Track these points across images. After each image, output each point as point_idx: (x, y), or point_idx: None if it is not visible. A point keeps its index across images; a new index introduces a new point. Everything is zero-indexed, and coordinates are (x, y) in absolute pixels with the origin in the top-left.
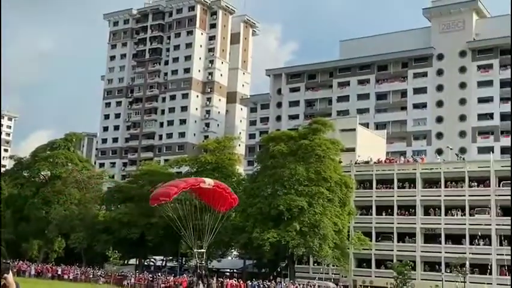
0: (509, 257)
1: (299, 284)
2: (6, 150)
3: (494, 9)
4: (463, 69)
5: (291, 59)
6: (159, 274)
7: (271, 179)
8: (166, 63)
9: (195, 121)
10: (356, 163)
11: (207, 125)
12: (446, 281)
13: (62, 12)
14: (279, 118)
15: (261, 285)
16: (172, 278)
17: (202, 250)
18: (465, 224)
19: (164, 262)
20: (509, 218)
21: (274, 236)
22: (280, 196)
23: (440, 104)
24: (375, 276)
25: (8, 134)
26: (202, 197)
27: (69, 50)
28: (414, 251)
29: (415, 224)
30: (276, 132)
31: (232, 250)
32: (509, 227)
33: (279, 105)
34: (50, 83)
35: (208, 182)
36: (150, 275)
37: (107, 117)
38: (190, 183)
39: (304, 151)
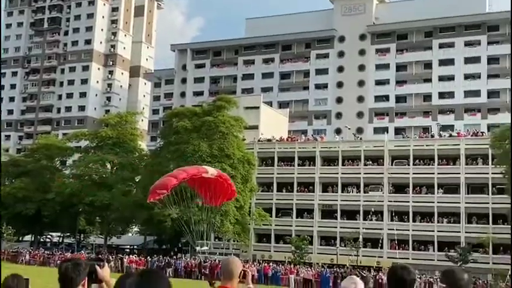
0: (399, 232)
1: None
2: None
3: None
4: (362, 52)
5: (198, 35)
6: (56, 250)
7: (174, 154)
8: (66, 33)
9: (96, 95)
10: (259, 141)
11: (109, 99)
12: (340, 254)
13: None
14: (183, 94)
15: (162, 261)
16: (69, 254)
17: None
18: (359, 201)
19: (61, 238)
20: (401, 194)
21: (175, 212)
22: None
23: (340, 85)
24: (274, 251)
25: None
26: (200, 188)
27: None
28: (312, 226)
29: (313, 200)
30: (180, 108)
31: (133, 226)
32: (400, 203)
33: (184, 81)
34: None
35: (211, 172)
36: (46, 252)
37: (1, 87)
38: (192, 173)
39: (208, 128)
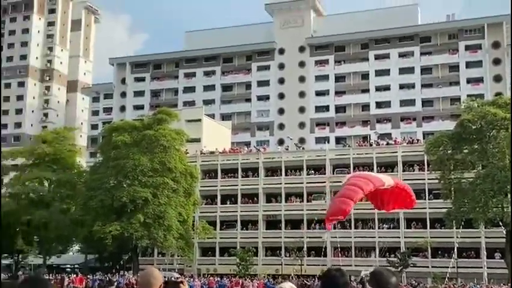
0: (341, 239)
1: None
2: None
3: (330, 8)
4: (302, 64)
5: (140, 49)
6: None
7: (114, 170)
8: (0, 49)
9: (32, 111)
10: (201, 153)
11: (46, 115)
12: (285, 264)
13: None
14: (123, 108)
15: (103, 279)
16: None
17: None
18: (303, 210)
19: None
20: None
21: (117, 228)
22: (123, 188)
23: (281, 96)
24: (219, 264)
25: None
26: (375, 198)
27: None
28: (257, 238)
29: (258, 211)
30: (119, 122)
31: (74, 245)
32: None
33: (123, 95)
34: None
35: (388, 183)
36: None
37: None
38: (377, 186)
39: (148, 141)
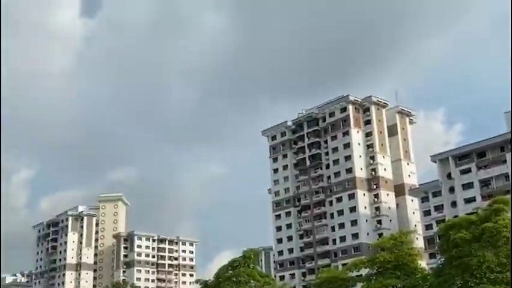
0: None
1: None
2: (191, 275)
3: None
4: None
5: (460, 140)
6: None
7: (459, 270)
8: (327, 167)
9: (366, 220)
10: None
11: (379, 222)
12: None
13: (226, 139)
14: (454, 204)
15: None
16: None
17: None
18: None
19: None
20: None
21: None
22: (472, 287)
23: None
24: None
25: (191, 259)
26: None
27: (235, 170)
28: None
29: None
30: (453, 219)
31: None
32: None
33: (452, 190)
34: (223, 203)
35: None
36: None
37: (279, 229)
38: None
39: (489, 235)
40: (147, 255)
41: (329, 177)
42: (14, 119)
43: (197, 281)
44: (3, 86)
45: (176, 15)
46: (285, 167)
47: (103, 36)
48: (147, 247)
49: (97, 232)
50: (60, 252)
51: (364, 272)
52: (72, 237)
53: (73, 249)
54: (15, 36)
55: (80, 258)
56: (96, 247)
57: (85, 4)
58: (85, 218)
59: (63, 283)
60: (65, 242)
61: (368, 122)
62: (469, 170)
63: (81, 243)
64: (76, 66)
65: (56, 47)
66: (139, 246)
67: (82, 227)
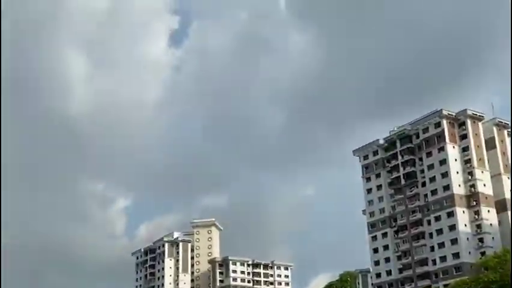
0: None
1: None
2: None
3: None
4: None
5: None
6: None
7: None
8: (423, 184)
9: (467, 238)
10: None
11: (481, 240)
12: None
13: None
14: None
15: None
16: None
17: None
18: None
19: None
20: None
21: None
22: None
23: None
24: None
25: (287, 284)
26: None
27: (327, 192)
28: None
29: None
30: None
31: None
32: None
33: None
34: (317, 226)
35: None
36: None
37: (376, 250)
38: None
39: None
40: (242, 280)
41: (425, 196)
42: (111, 148)
43: None
44: (103, 116)
45: (258, 40)
46: (379, 187)
47: (191, 64)
48: (242, 272)
49: (192, 258)
50: (159, 278)
51: None
52: (169, 263)
53: (170, 275)
54: (111, 67)
55: (178, 284)
56: (192, 273)
57: (173, 34)
58: (181, 244)
59: None
60: (163, 268)
61: (464, 137)
62: None
63: (178, 269)
64: (166, 94)
65: (148, 77)
66: (234, 271)
67: (178, 252)
